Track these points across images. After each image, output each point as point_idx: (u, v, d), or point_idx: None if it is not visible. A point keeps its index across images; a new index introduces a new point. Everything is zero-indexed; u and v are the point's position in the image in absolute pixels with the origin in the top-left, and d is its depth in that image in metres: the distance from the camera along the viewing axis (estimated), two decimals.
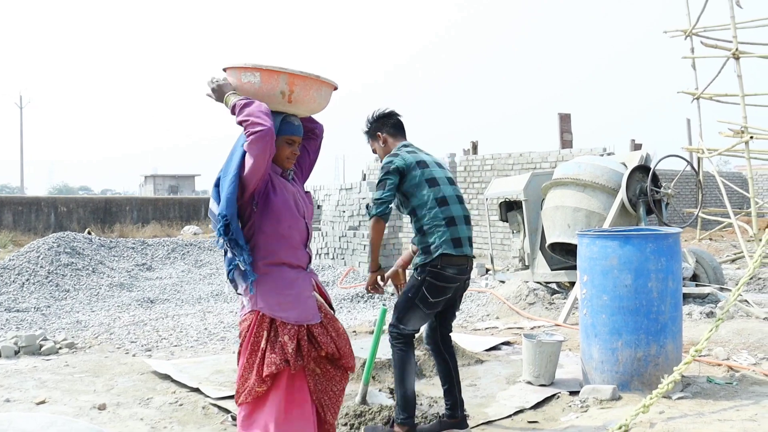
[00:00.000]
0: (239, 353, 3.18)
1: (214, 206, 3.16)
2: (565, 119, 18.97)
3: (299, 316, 3.12)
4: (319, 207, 17.04)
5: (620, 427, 3.87)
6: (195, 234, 25.08)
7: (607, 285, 4.79)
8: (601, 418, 4.33)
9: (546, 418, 4.63)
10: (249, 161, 3.01)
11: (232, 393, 5.07)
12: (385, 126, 4.39)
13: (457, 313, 4.48)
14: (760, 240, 4.79)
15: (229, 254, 3.15)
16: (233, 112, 3.09)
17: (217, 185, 3.17)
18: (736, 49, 12.58)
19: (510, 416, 4.65)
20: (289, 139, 3.25)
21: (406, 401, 4.09)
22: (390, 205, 4.14)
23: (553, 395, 5.03)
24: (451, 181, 4.30)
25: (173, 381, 5.50)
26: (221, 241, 3.06)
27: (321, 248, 15.40)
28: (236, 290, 3.23)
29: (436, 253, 4.04)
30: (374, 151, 4.51)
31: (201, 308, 9.31)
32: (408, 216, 4.25)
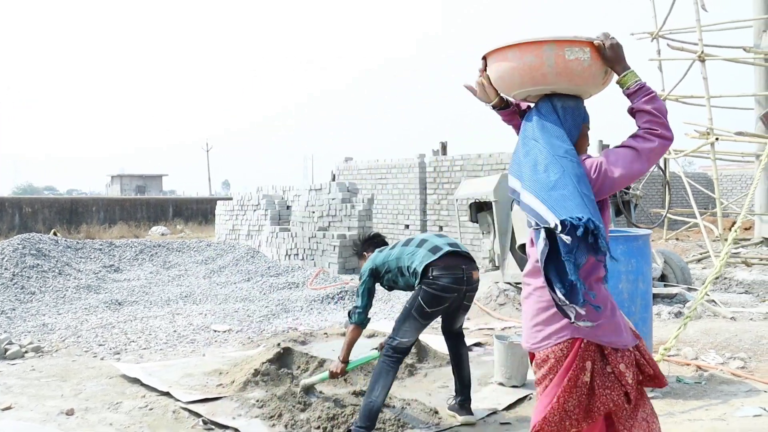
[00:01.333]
0: (538, 387, 2.68)
1: (531, 197, 2.65)
2: None
3: (627, 338, 2.63)
4: (288, 208, 16.97)
5: None
6: (163, 234, 24.84)
7: None
8: None
9: (518, 419, 4.65)
10: (633, 165, 2.52)
11: (203, 397, 5.05)
12: (370, 246, 4.85)
13: (462, 321, 4.68)
14: (725, 240, 4.86)
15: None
16: (632, 93, 2.56)
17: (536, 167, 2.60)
18: (702, 52, 12.77)
19: (483, 418, 4.67)
20: (588, 127, 2.73)
21: (371, 412, 4.12)
22: (368, 314, 4.47)
23: (526, 396, 5.06)
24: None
25: (143, 385, 5.42)
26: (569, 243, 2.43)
27: (290, 249, 15.33)
28: (571, 316, 2.49)
29: (421, 268, 4.21)
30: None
31: (170, 310, 9.20)
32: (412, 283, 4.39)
